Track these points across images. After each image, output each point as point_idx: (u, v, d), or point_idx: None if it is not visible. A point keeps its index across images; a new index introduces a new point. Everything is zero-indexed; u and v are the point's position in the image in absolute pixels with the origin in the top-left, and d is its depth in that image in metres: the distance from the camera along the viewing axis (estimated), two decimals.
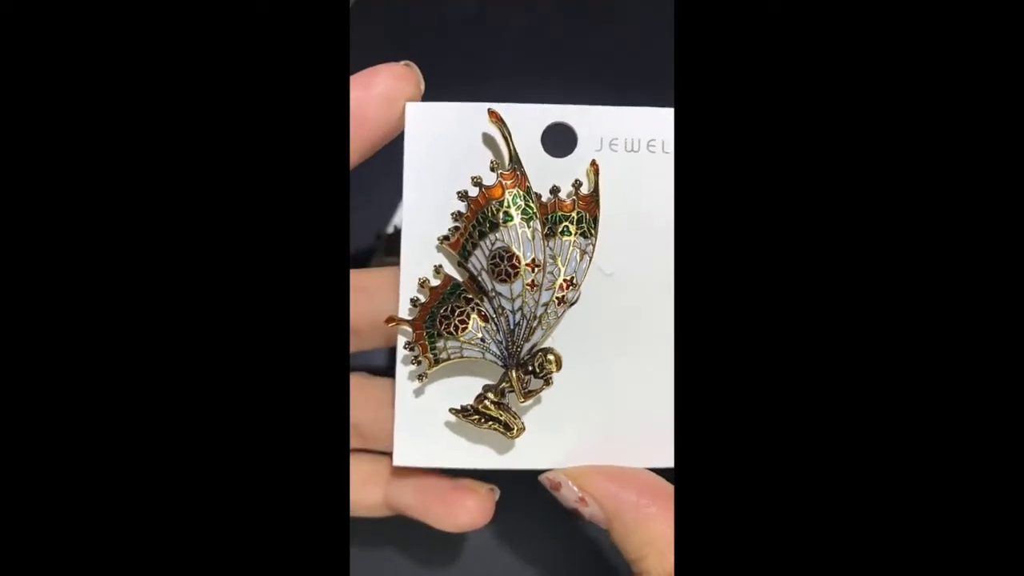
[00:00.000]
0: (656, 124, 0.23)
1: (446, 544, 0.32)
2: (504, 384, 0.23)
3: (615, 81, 0.33)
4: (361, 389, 0.25)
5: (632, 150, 0.23)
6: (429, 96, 0.30)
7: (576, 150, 0.23)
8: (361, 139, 0.22)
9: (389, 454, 0.24)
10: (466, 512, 0.24)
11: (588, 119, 0.23)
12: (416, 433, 0.24)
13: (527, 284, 0.23)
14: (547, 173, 0.23)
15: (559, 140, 0.23)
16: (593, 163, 0.23)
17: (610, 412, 0.24)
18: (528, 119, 0.23)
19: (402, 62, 0.23)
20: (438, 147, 0.23)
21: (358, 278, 0.23)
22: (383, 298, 0.23)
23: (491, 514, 0.24)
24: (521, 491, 0.25)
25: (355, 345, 0.24)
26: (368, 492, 0.25)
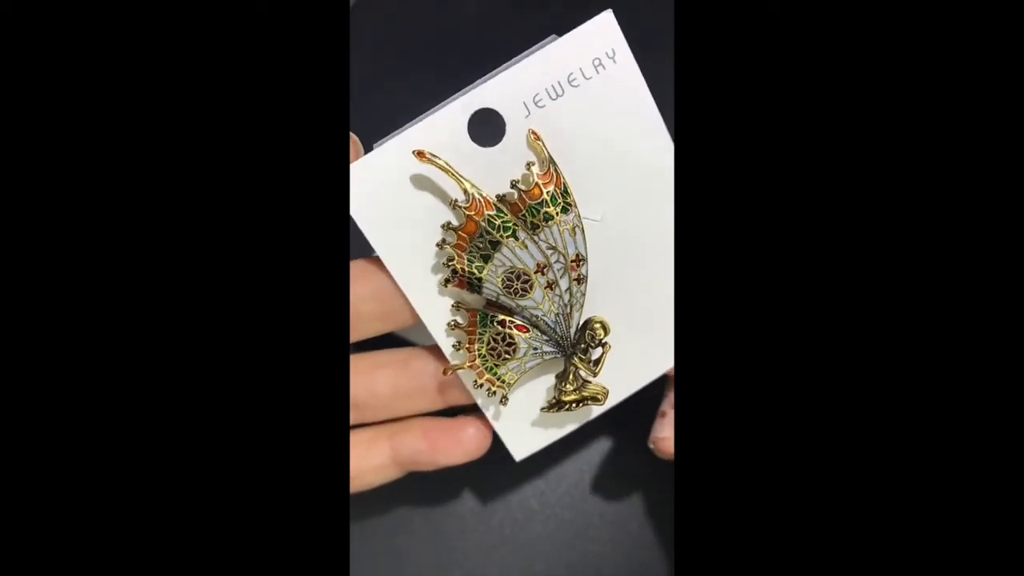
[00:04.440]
0: (568, 55, 0.21)
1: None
2: (571, 369, 0.23)
3: None
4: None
5: (558, 95, 0.21)
6: (428, 99, 0.29)
7: (507, 130, 0.21)
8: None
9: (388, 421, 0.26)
10: (470, 439, 0.25)
11: (502, 88, 0.21)
12: (517, 428, 0.25)
13: (544, 289, 0.22)
14: (492, 167, 0.21)
15: (487, 127, 0.22)
16: (531, 133, 0.21)
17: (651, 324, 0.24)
18: (447, 125, 0.21)
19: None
20: (381, 197, 0.22)
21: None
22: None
23: (490, 439, 0.26)
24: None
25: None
26: (374, 452, 0.26)
